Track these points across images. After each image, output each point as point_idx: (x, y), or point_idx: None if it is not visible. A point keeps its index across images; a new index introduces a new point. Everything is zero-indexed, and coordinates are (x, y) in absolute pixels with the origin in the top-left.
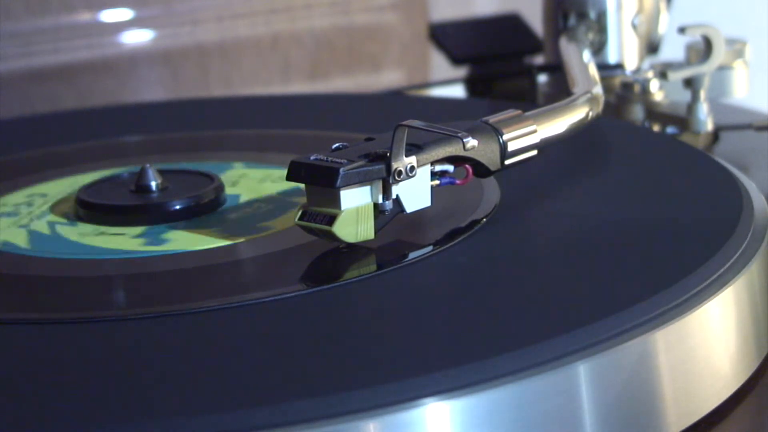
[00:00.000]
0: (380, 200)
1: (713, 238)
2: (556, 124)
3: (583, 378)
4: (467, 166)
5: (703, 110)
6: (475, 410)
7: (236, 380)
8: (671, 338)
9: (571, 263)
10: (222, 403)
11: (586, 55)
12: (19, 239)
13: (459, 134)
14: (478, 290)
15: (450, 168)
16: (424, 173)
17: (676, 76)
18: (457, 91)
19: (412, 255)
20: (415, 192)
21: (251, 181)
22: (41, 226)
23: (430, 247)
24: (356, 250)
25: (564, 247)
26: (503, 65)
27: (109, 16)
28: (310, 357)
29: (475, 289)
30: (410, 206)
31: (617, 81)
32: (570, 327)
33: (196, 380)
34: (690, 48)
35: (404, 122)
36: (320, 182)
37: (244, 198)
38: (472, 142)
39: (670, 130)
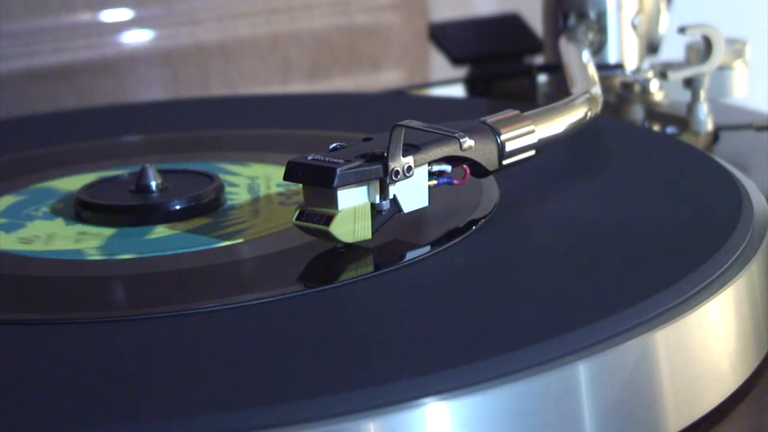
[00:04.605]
0: (377, 200)
1: (713, 238)
2: (554, 125)
3: (583, 378)
4: (465, 166)
5: (703, 110)
6: (475, 410)
7: (236, 380)
8: (671, 338)
9: (570, 263)
10: (222, 403)
11: (586, 55)
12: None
13: (456, 134)
14: (478, 290)
15: (447, 168)
16: (421, 173)
17: (676, 76)
18: (457, 91)
19: (412, 255)
20: (412, 192)
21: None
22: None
23: (429, 248)
24: (355, 251)
25: (564, 247)
26: (503, 65)
27: (109, 16)
28: (310, 357)
29: (474, 290)
30: (408, 206)
31: (617, 81)
32: (570, 327)
33: (196, 380)
34: (690, 48)
35: (401, 122)
36: (317, 182)
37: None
38: (468, 142)
39: (670, 130)
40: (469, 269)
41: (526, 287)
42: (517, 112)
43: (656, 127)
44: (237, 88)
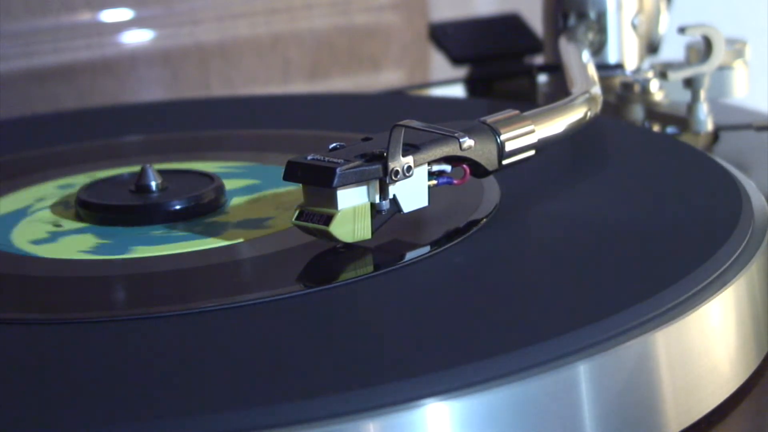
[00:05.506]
0: (377, 200)
1: (713, 238)
2: (554, 124)
3: (583, 378)
4: (465, 166)
5: (703, 110)
6: (475, 410)
7: (236, 380)
8: (671, 338)
9: (571, 263)
10: (222, 403)
11: (586, 55)
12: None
13: (456, 134)
14: (478, 290)
15: (447, 168)
16: (421, 173)
17: (676, 76)
18: (457, 91)
19: (412, 255)
20: (412, 192)
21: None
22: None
23: (428, 248)
24: (355, 250)
25: (564, 247)
26: (503, 65)
27: (109, 16)
28: (310, 357)
29: (475, 289)
30: (407, 206)
31: (617, 81)
32: (570, 327)
33: (196, 380)
34: (690, 48)
35: (401, 122)
36: (317, 182)
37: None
38: (468, 142)
39: (670, 130)
40: (469, 269)
41: (526, 287)
42: (517, 112)
43: (656, 127)
44: (237, 88)
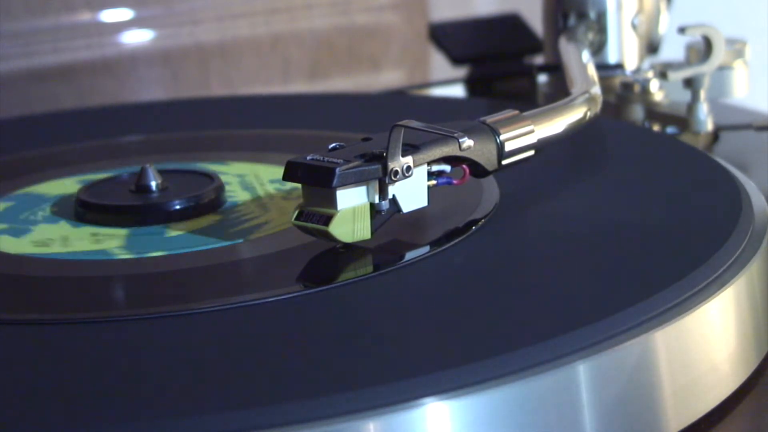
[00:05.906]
0: (377, 200)
1: (713, 238)
2: (553, 124)
3: (583, 378)
4: (464, 166)
5: (703, 110)
6: (475, 410)
7: (236, 380)
8: (671, 338)
9: (570, 263)
10: (222, 403)
11: (585, 55)
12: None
13: (455, 134)
14: (478, 290)
15: (447, 168)
16: (420, 173)
17: (676, 76)
18: (457, 91)
19: (411, 255)
20: (411, 192)
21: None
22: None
23: (428, 248)
24: (354, 251)
25: (564, 247)
26: (503, 65)
27: (109, 16)
28: (310, 357)
29: (474, 290)
30: (407, 206)
31: (617, 81)
32: (570, 327)
33: (195, 380)
34: (690, 48)
35: (401, 122)
36: (316, 182)
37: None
38: (468, 142)
39: (670, 130)
40: (468, 269)
41: (526, 287)
42: (516, 112)
43: (656, 127)
44: (237, 88)
